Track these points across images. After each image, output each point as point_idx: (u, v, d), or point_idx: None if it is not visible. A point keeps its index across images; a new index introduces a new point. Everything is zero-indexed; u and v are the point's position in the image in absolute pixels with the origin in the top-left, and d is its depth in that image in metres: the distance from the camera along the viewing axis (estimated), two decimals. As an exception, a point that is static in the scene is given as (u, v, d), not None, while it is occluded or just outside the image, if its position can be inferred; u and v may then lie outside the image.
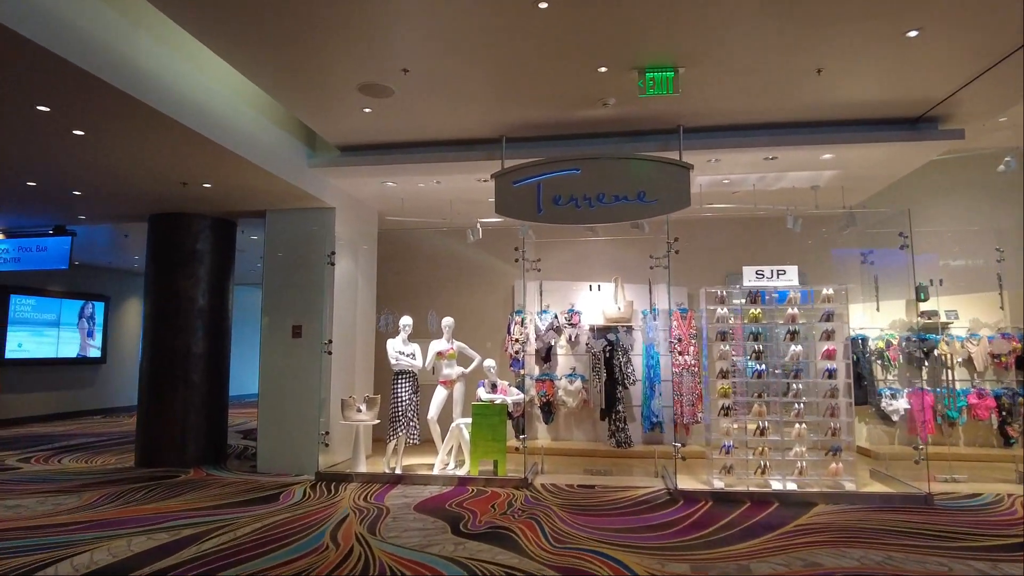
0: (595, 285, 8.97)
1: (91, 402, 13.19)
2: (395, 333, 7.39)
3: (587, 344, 8.76)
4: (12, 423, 11.50)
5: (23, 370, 11.87)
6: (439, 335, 7.44)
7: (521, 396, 7.22)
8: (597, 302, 8.98)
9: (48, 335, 12.41)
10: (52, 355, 12.49)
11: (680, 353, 8.45)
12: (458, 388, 7.40)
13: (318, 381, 7.13)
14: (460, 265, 9.76)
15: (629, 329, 8.78)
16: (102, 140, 5.30)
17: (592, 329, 8.82)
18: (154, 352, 7.74)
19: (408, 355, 7.26)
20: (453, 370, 7.41)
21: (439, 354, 7.39)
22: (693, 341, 8.55)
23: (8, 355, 11.58)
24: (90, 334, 13.26)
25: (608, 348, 8.38)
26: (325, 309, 7.24)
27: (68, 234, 8.72)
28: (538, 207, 6.20)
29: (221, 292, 8.11)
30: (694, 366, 8.50)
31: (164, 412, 7.66)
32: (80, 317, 13.07)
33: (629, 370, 8.41)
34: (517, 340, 8.82)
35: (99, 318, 13.50)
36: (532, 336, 8.88)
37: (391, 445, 7.10)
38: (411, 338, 7.38)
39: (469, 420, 6.95)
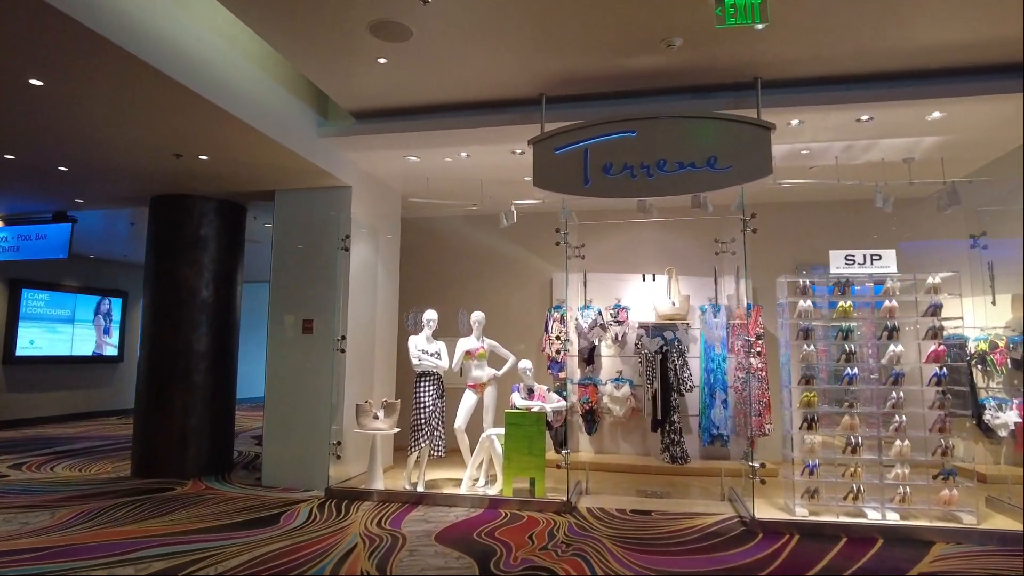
0: (649, 275, 7.87)
1: (108, 403, 12.59)
2: (419, 330, 6.47)
3: (636, 344, 7.71)
4: (22, 424, 10.93)
5: (35, 368, 11.30)
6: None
7: (563, 403, 6.21)
8: (648, 296, 7.93)
9: (62, 332, 11.84)
10: (66, 353, 11.91)
11: (756, 355, 7.38)
12: (489, 393, 6.44)
13: (330, 383, 6.24)
14: (491, 255, 8.81)
15: (686, 327, 7.70)
16: (67, 93, 4.47)
17: (644, 328, 7.76)
18: (152, 349, 6.95)
19: (432, 354, 6.33)
20: (483, 372, 6.46)
21: (468, 353, 6.45)
22: (760, 341, 7.45)
23: (19, 352, 11.01)
24: (107, 331, 12.68)
25: (663, 348, 7.31)
26: (338, 301, 6.35)
27: (68, 220, 8.03)
28: (584, 178, 5.20)
29: (228, 283, 7.29)
30: (761, 370, 7.40)
31: (162, 416, 6.85)
32: (96, 313, 12.50)
33: (686, 374, 7.32)
34: (557, 339, 7.82)
35: (116, 315, 12.92)
36: (573, 335, 7.88)
37: (412, 457, 6.17)
38: (437, 336, 6.45)
39: (502, 431, 5.99)
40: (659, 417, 7.30)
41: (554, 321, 7.95)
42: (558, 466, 5.85)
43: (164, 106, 4.68)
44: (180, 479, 6.66)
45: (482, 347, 6.51)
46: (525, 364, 6.30)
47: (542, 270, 8.63)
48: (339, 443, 6.13)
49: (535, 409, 5.97)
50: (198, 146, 5.54)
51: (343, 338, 6.24)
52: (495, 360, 6.54)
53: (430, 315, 6.48)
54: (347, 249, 6.35)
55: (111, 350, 12.78)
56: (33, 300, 11.31)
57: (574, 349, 7.83)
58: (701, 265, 7.87)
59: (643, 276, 7.86)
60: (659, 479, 6.96)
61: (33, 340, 11.27)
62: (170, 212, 7.11)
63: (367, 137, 5.98)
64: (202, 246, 7.08)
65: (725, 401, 7.38)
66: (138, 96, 4.52)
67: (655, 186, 5.10)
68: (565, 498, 5.55)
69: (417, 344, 6.37)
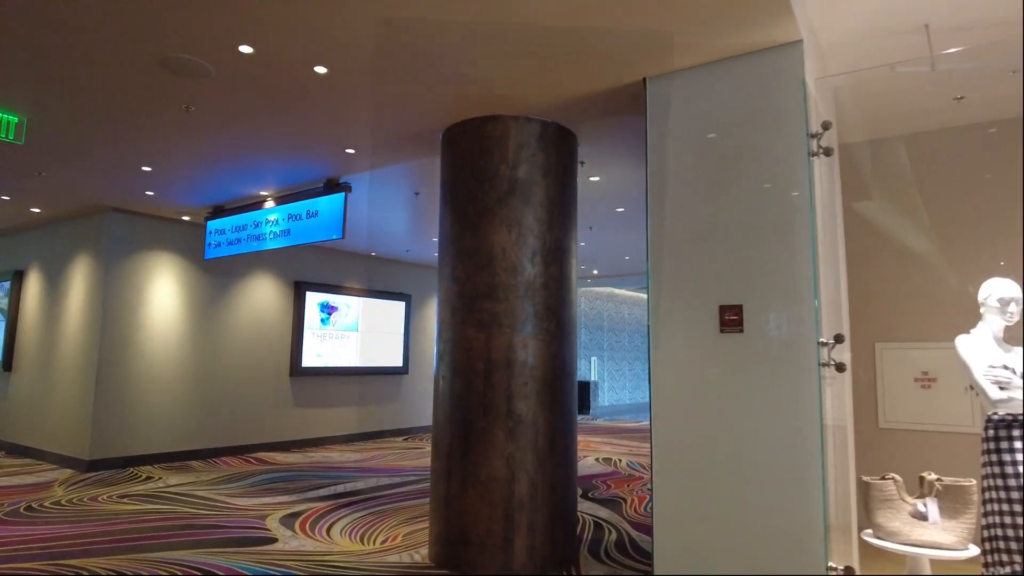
0: None
1: (392, 420, 11.01)
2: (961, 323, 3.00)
3: None
4: (308, 444, 9.60)
5: (320, 380, 9.99)
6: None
7: None
8: None
9: (345, 340, 10.45)
10: (351, 364, 10.50)
11: None
12: None
13: (814, 439, 2.99)
14: (973, 194, 4.89)
15: None
16: None
17: None
18: (452, 361, 4.40)
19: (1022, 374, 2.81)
20: None
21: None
22: None
23: (305, 363, 9.73)
24: (390, 339, 11.15)
25: None
26: (814, 264, 3.09)
27: (342, 189, 6.01)
28: None
29: (560, 254, 4.51)
30: None
31: (472, 473, 4.23)
32: (379, 319, 11.01)
33: None
34: None
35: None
36: None
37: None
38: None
39: None
40: None
41: None
42: None
43: None
44: (506, 581, 3.96)
45: None
46: None
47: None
48: (846, 570, 2.82)
49: None
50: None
51: (836, 341, 2.94)
52: None
53: (1009, 290, 2.96)
54: (828, 153, 3.05)
55: (395, 361, 11.21)
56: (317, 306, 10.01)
57: None
58: None
59: None
60: None
61: (318, 351, 9.97)
62: (471, 146, 4.54)
63: None
64: (522, 195, 4.38)
65: None
66: None
67: None
68: None
69: (983, 354, 2.88)
